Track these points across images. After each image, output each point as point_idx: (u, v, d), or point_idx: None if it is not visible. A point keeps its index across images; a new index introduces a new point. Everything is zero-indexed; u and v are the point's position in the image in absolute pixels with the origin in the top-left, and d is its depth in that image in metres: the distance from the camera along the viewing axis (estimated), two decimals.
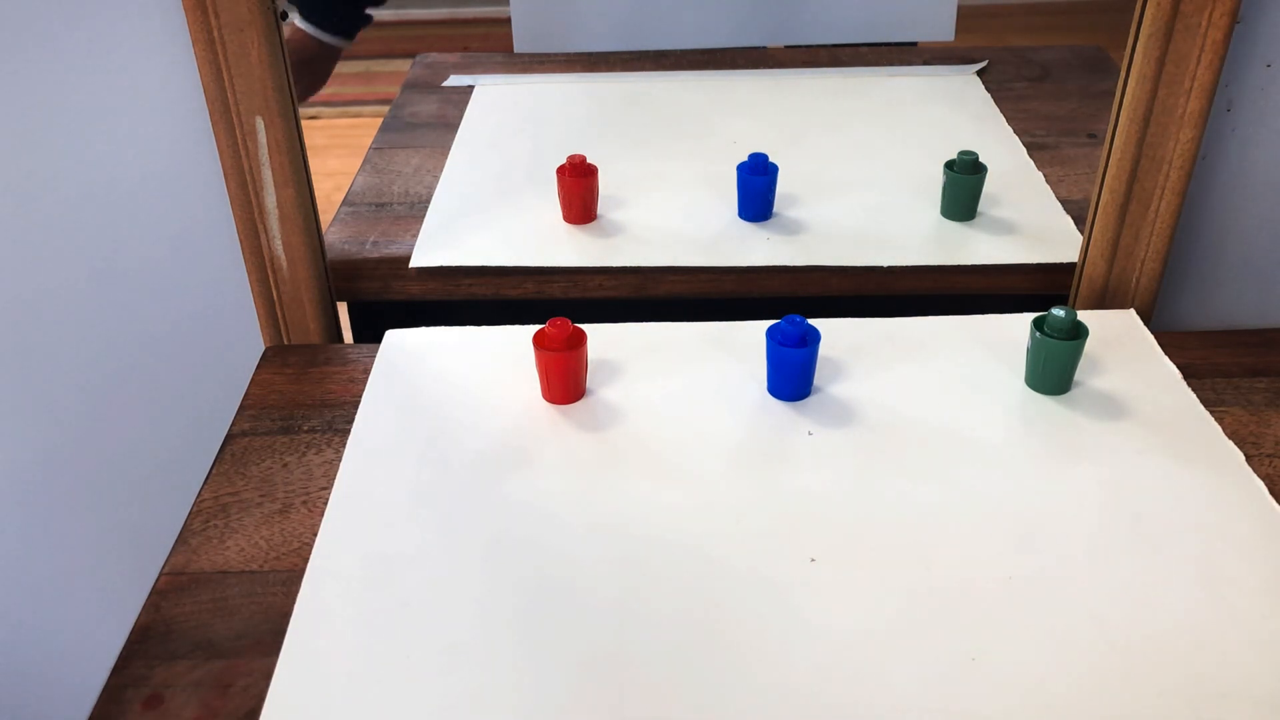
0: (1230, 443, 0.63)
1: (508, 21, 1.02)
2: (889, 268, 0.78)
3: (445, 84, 1.04)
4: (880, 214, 0.84)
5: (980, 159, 0.81)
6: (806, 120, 0.96)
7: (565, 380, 0.65)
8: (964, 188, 0.81)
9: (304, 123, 0.71)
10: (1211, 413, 0.65)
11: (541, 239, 0.81)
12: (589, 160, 0.82)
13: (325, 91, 1.00)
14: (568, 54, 1.05)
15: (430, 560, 0.56)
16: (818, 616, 0.52)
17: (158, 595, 0.55)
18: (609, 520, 0.58)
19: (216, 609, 0.54)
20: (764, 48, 1.08)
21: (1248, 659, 0.50)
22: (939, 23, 1.02)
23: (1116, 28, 0.69)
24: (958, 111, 0.98)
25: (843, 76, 1.03)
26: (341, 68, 0.99)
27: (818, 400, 0.66)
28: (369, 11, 0.99)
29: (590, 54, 1.05)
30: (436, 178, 0.89)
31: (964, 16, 1.01)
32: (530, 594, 0.54)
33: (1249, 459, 0.62)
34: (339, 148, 1.05)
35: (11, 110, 0.72)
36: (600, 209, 0.84)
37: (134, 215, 0.76)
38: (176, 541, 0.59)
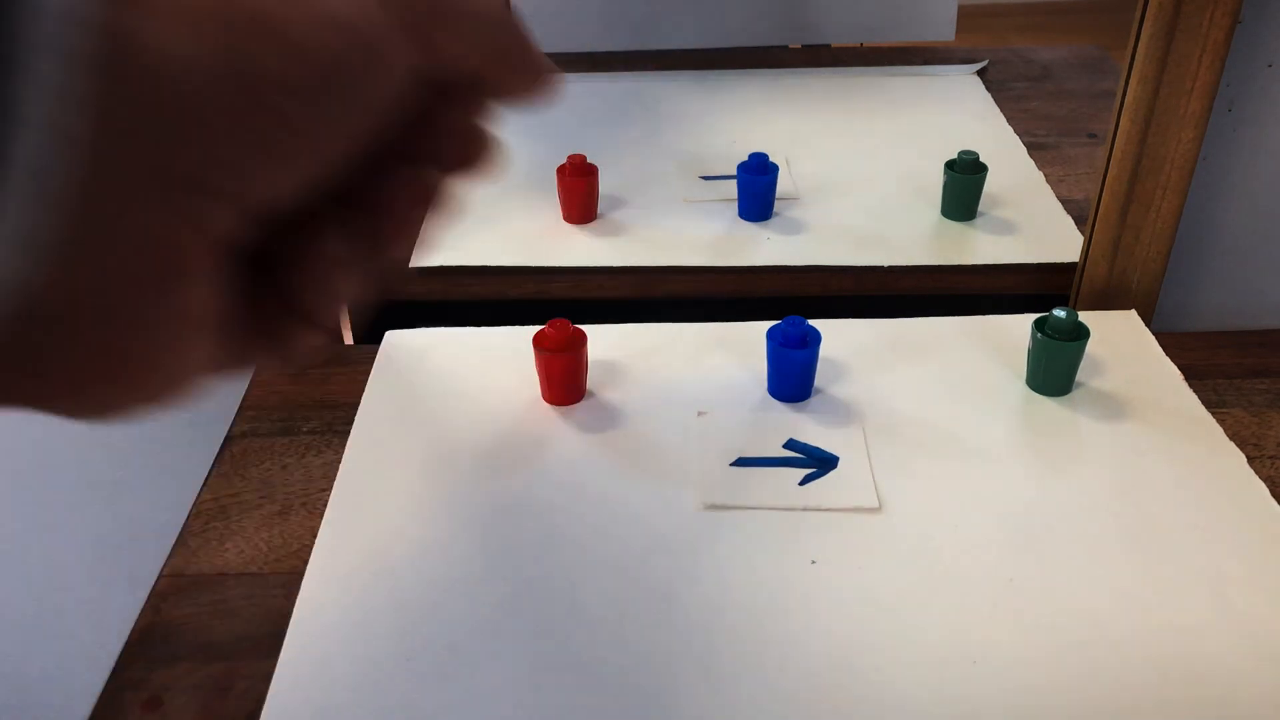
0: (1231, 444, 0.63)
1: None
2: (889, 268, 0.78)
3: None
4: (880, 214, 0.84)
5: (980, 159, 0.81)
6: (807, 120, 0.96)
7: (565, 381, 0.65)
8: (964, 188, 0.81)
9: None
10: (1213, 414, 0.65)
11: (542, 239, 0.81)
12: (589, 160, 0.82)
13: None
14: (568, 54, 1.05)
15: (430, 561, 0.56)
16: (818, 619, 0.52)
17: (157, 597, 0.55)
18: (609, 522, 0.58)
19: (216, 611, 0.54)
20: (764, 48, 1.08)
21: (1249, 661, 0.50)
22: (939, 23, 1.02)
23: (1117, 28, 0.69)
24: (958, 111, 0.98)
25: (843, 76, 1.03)
26: None
27: (818, 401, 0.66)
28: None
29: (590, 54, 1.05)
30: None
31: (964, 16, 1.01)
32: (530, 595, 0.54)
33: (1250, 460, 0.62)
34: None
35: None
36: (600, 209, 0.84)
37: None
38: (176, 543, 0.59)
